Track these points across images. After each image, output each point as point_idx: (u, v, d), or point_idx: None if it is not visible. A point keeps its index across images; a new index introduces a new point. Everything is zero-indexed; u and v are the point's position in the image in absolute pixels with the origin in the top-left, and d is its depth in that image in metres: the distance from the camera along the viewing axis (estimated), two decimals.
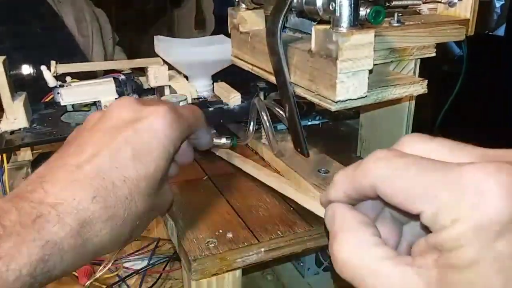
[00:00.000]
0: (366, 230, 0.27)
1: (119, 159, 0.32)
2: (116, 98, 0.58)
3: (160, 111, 0.35)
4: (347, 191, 0.29)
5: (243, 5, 0.52)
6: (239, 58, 0.54)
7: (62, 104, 0.57)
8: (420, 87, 0.43)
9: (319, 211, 0.44)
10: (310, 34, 0.39)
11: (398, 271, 0.24)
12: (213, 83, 0.64)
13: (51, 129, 0.53)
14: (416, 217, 0.24)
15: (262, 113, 0.54)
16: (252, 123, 0.57)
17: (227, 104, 0.58)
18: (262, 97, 0.61)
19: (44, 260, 0.28)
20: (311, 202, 0.46)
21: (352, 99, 0.38)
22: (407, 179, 0.24)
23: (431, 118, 0.68)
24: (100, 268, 0.60)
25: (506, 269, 0.21)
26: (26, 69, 0.57)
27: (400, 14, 0.46)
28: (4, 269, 0.26)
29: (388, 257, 0.25)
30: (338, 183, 0.30)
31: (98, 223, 0.31)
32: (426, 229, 0.24)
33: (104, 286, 0.61)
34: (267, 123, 0.55)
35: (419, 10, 0.53)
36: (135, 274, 0.63)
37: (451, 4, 0.50)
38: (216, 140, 0.57)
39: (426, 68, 0.49)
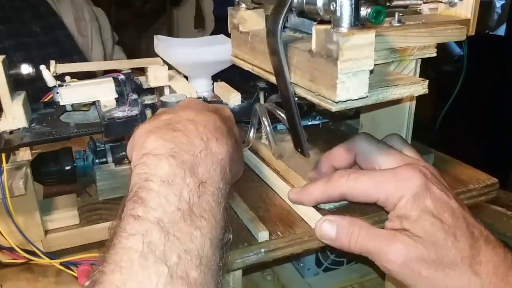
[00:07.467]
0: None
1: None
2: (115, 98, 0.58)
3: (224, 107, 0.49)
4: (318, 198, 0.45)
5: (243, 5, 0.52)
6: (239, 58, 0.54)
7: (61, 103, 0.56)
8: (420, 88, 0.43)
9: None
10: (311, 34, 0.39)
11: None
12: (213, 83, 0.64)
13: (50, 129, 0.52)
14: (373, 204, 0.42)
15: (263, 119, 0.54)
16: (252, 130, 0.57)
17: (227, 104, 0.58)
18: (262, 98, 0.60)
19: None
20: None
21: (353, 100, 0.38)
22: (363, 184, 0.42)
23: (431, 118, 0.68)
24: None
25: (435, 213, 0.39)
26: (26, 69, 0.56)
27: (401, 14, 0.46)
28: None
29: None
30: (313, 193, 0.45)
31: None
32: (381, 208, 0.43)
33: None
34: (268, 128, 0.54)
35: (420, 10, 0.53)
36: None
37: (451, 4, 0.49)
38: None
39: (427, 68, 0.48)
